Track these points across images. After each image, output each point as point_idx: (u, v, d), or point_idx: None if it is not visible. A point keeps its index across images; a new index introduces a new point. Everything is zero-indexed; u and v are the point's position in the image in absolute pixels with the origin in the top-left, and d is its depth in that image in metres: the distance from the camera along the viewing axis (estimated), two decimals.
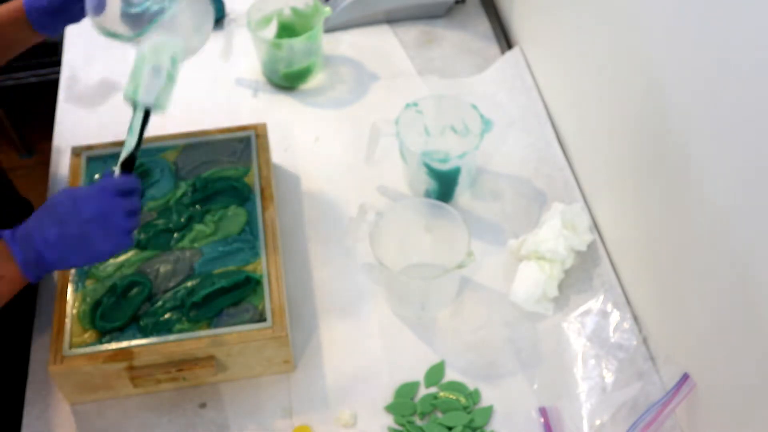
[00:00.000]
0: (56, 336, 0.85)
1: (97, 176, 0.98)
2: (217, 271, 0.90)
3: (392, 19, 1.31)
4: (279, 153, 1.12)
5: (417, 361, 0.91)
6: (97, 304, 0.88)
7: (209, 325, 0.86)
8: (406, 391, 0.89)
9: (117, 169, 0.80)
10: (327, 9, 1.18)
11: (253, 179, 0.99)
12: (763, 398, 0.69)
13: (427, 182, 1.02)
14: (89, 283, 0.89)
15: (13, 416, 0.89)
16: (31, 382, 0.90)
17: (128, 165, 0.80)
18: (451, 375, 0.90)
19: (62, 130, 1.17)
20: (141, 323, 0.86)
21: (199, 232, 0.94)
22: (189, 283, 0.89)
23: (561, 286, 0.95)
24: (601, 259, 0.97)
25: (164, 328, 0.86)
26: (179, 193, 0.98)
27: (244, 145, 1.03)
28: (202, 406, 0.88)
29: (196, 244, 0.93)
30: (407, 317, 0.95)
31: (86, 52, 1.27)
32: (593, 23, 0.95)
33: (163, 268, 0.91)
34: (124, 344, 0.84)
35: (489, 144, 1.11)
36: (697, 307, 0.78)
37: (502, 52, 1.26)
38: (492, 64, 1.24)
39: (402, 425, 0.86)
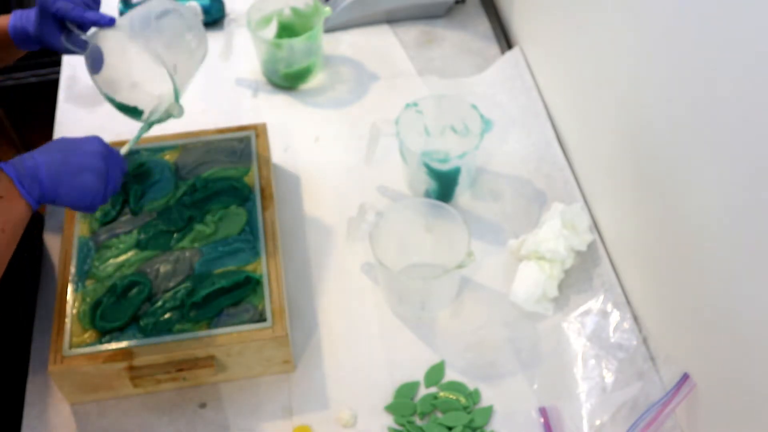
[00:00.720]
0: (56, 336, 0.85)
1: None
2: (217, 271, 0.90)
3: (392, 19, 1.31)
4: (279, 153, 1.12)
5: (417, 361, 0.91)
6: (97, 304, 0.88)
7: (209, 325, 0.86)
8: (406, 391, 0.89)
9: (124, 150, 0.89)
10: (327, 9, 1.18)
11: (253, 179, 0.99)
12: (763, 398, 0.69)
13: (427, 182, 1.02)
14: (89, 283, 0.89)
15: (13, 416, 0.89)
16: (31, 382, 0.90)
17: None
18: (451, 375, 0.90)
19: (62, 130, 1.17)
20: (141, 323, 0.86)
21: (199, 232, 0.94)
22: (189, 283, 0.89)
23: (561, 286, 0.95)
24: (601, 259, 0.97)
25: (164, 328, 0.86)
26: (179, 193, 0.98)
27: (244, 145, 1.03)
28: (202, 406, 0.88)
29: (196, 244, 0.93)
30: (407, 317, 0.95)
31: None
32: (593, 23, 0.95)
33: (163, 268, 0.91)
34: (124, 344, 0.84)
35: (489, 144, 1.11)
36: (697, 306, 0.78)
37: (502, 52, 1.26)
38: (492, 64, 1.24)
39: (402, 425, 0.86)
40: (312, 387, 0.90)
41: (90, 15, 0.84)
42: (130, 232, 0.94)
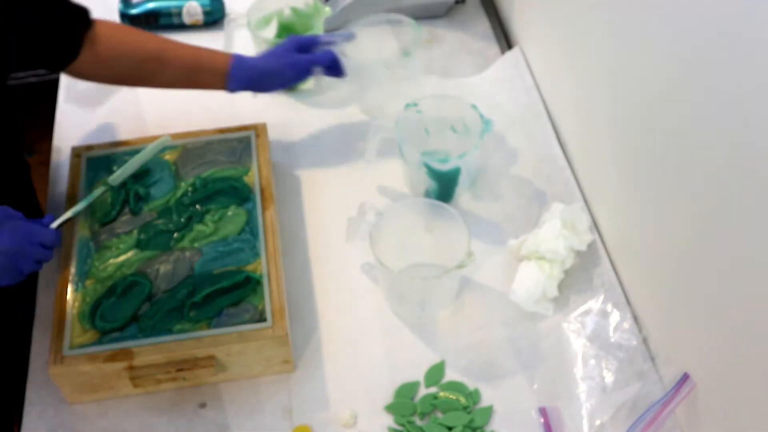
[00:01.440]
0: (56, 336, 0.85)
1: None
2: (217, 271, 0.90)
3: (392, 19, 1.31)
4: (279, 153, 1.12)
5: (417, 361, 0.91)
6: (97, 304, 0.88)
7: (209, 325, 0.86)
8: (406, 391, 0.89)
9: (56, 224, 0.87)
10: (327, 9, 1.18)
11: (253, 179, 0.99)
12: (763, 398, 0.69)
13: (427, 182, 1.02)
14: (89, 283, 0.89)
15: (13, 416, 0.89)
16: (31, 382, 0.90)
17: (64, 223, 0.89)
18: (451, 375, 0.90)
19: (62, 130, 1.17)
20: (141, 323, 0.86)
21: (199, 232, 0.94)
22: (189, 283, 0.89)
23: (561, 286, 0.95)
24: (601, 259, 0.97)
25: (164, 328, 0.86)
26: (179, 193, 0.98)
27: (244, 145, 1.03)
28: (202, 406, 0.88)
29: (196, 244, 0.93)
30: (407, 317, 0.95)
31: None
32: (593, 23, 0.95)
33: (163, 268, 0.91)
34: (124, 344, 0.84)
35: (489, 144, 1.11)
36: (697, 306, 0.78)
37: (502, 52, 1.26)
38: (492, 64, 1.24)
39: (402, 425, 0.86)
40: (312, 387, 0.90)
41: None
42: (130, 232, 0.94)
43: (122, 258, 0.92)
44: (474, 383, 0.89)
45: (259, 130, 1.04)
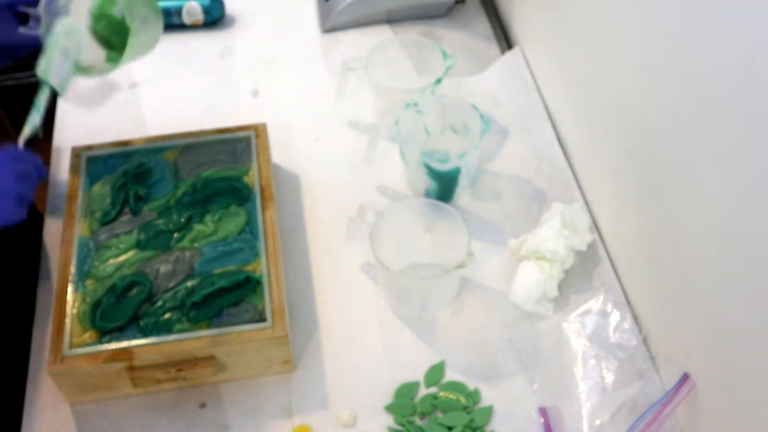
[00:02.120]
0: (56, 336, 0.85)
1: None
2: (217, 271, 0.90)
3: (392, 19, 1.31)
4: (279, 153, 1.12)
5: (417, 361, 0.91)
6: (97, 304, 0.88)
7: (209, 325, 0.86)
8: (406, 391, 0.89)
9: (20, 144, 0.86)
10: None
11: (253, 179, 0.99)
12: (763, 398, 0.69)
13: (427, 182, 1.02)
14: (89, 283, 0.89)
15: (13, 416, 0.89)
16: (31, 382, 0.90)
17: (31, 141, 0.87)
18: (451, 375, 0.90)
19: (62, 130, 1.17)
20: (141, 323, 0.86)
21: (199, 232, 0.94)
22: (189, 283, 0.89)
23: (561, 286, 0.95)
24: (601, 259, 0.97)
25: (164, 328, 0.86)
26: (179, 193, 0.98)
27: (244, 145, 1.03)
28: (202, 406, 0.88)
29: (196, 244, 0.93)
30: (407, 317, 0.95)
31: None
32: (593, 23, 0.95)
33: (163, 268, 0.91)
34: (124, 344, 0.84)
35: (489, 144, 1.11)
36: (697, 307, 0.78)
37: (502, 52, 1.26)
38: (492, 64, 1.24)
39: (402, 425, 0.86)
40: (312, 387, 0.90)
41: None
42: (130, 232, 0.94)
43: (122, 258, 0.92)
44: (474, 383, 0.89)
45: (259, 130, 1.04)
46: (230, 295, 0.88)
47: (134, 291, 0.89)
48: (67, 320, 0.86)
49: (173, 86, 1.21)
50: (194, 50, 1.27)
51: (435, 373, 0.90)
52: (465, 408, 0.87)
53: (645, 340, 0.90)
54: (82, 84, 1.23)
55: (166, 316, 0.87)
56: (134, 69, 1.21)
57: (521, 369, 0.91)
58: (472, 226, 0.92)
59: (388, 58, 1.14)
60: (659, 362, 0.87)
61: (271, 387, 0.90)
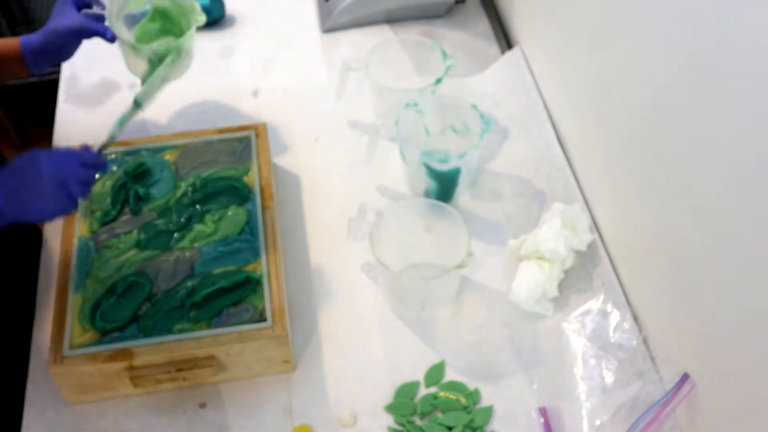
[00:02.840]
0: (56, 336, 0.85)
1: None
2: (217, 271, 0.90)
3: (392, 19, 1.31)
4: (279, 153, 1.12)
5: (417, 361, 0.91)
6: (97, 304, 0.88)
7: (209, 325, 0.86)
8: (406, 391, 0.89)
9: (97, 147, 0.89)
10: (202, 17, 1.06)
11: (253, 179, 0.99)
12: (763, 398, 0.69)
13: (427, 182, 1.02)
14: (89, 283, 0.89)
15: (13, 416, 0.89)
16: (31, 382, 0.90)
17: (104, 147, 0.90)
18: (451, 375, 0.90)
19: (62, 130, 1.17)
20: (141, 323, 0.86)
21: (199, 232, 0.94)
22: (189, 283, 0.89)
23: (561, 286, 0.95)
24: (601, 259, 0.97)
25: (164, 328, 0.86)
26: (179, 193, 0.98)
27: (244, 145, 1.03)
28: (202, 406, 0.88)
29: (196, 244, 0.93)
30: (407, 317, 0.95)
31: (86, 53, 1.27)
32: (593, 23, 0.95)
33: (163, 268, 0.91)
34: (124, 344, 0.84)
35: (489, 144, 1.11)
36: (697, 306, 0.78)
37: (502, 52, 1.26)
38: (492, 64, 1.24)
39: (402, 425, 0.86)
40: (312, 387, 0.90)
41: None
42: (130, 232, 0.94)
43: (122, 258, 0.92)
44: (474, 383, 0.89)
45: (259, 130, 1.04)
46: (230, 295, 0.88)
47: (134, 291, 0.89)
48: (67, 320, 0.86)
49: (173, 86, 1.21)
50: (194, 50, 1.27)
51: (435, 373, 0.90)
52: (465, 408, 0.87)
53: (645, 340, 0.90)
54: (82, 84, 1.23)
55: (166, 316, 0.87)
56: None
57: (521, 369, 0.91)
58: (472, 226, 0.92)
59: (388, 58, 1.14)
60: (659, 362, 0.87)
61: (271, 387, 0.90)
